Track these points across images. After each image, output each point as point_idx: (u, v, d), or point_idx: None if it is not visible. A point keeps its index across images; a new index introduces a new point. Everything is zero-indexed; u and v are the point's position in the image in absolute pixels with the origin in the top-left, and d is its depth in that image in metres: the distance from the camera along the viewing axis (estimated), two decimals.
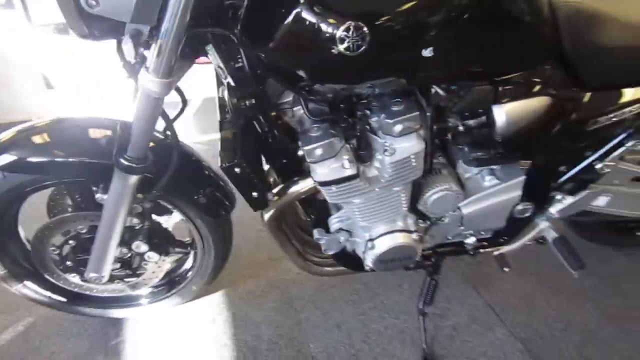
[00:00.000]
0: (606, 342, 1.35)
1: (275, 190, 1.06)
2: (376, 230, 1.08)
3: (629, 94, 1.08)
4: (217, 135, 1.05)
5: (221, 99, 1.09)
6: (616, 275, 1.58)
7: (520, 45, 0.94)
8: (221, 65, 0.91)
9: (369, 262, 1.11)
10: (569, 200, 1.22)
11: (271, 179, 1.10)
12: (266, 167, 1.10)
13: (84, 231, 1.20)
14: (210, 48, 0.91)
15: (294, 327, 1.42)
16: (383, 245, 1.07)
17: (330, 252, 1.16)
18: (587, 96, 1.04)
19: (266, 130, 0.98)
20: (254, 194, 1.01)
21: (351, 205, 1.03)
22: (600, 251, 1.65)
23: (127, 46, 0.84)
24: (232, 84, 0.91)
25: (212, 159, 1.11)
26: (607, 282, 1.55)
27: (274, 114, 0.98)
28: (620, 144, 1.14)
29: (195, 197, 1.13)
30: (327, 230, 1.13)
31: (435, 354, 1.32)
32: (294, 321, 1.44)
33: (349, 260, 1.21)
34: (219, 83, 1.10)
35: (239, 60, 0.90)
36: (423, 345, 1.32)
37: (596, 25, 1.00)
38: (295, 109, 0.99)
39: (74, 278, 1.28)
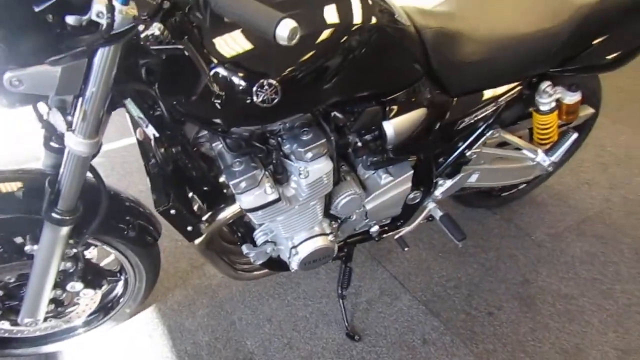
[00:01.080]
0: (487, 290, 1.66)
1: (204, 218, 1.16)
2: (298, 238, 1.24)
3: (485, 95, 1.32)
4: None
5: (140, 143, 1.15)
6: (489, 230, 1.91)
7: (399, 69, 1.12)
8: (141, 115, 0.98)
9: (294, 266, 1.26)
10: (449, 183, 1.47)
11: (196, 206, 1.20)
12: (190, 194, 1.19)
13: (11, 280, 1.20)
14: (128, 101, 0.97)
15: (229, 328, 1.55)
16: (305, 250, 1.23)
17: (259, 263, 1.30)
18: (454, 102, 1.27)
19: (189, 165, 1.07)
20: (189, 228, 1.11)
21: (275, 222, 1.17)
22: (476, 213, 1.98)
23: (53, 115, 0.89)
24: (155, 134, 0.99)
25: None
26: (484, 238, 1.87)
27: (195, 149, 1.07)
28: (482, 134, 1.40)
29: (125, 232, 1.19)
30: (254, 244, 1.26)
31: (356, 329, 1.54)
32: (228, 323, 1.56)
33: (276, 264, 1.35)
34: (135, 126, 1.15)
35: (158, 110, 0.97)
36: (345, 323, 1.52)
37: (454, 44, 1.21)
38: (214, 144, 1.09)
39: (4, 325, 1.28)
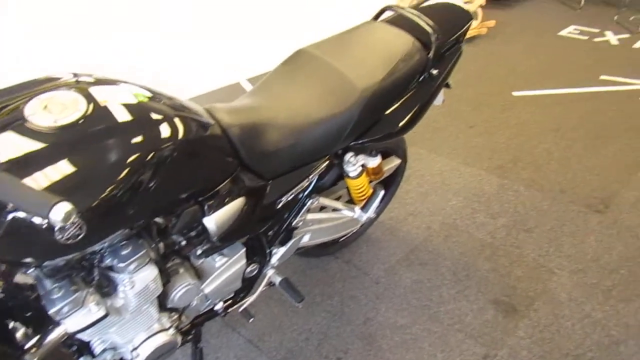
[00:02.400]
0: (335, 336, 1.82)
1: (31, 343, 1.13)
2: (137, 339, 1.25)
3: (297, 174, 1.47)
4: None
5: None
6: (332, 276, 2.08)
7: (210, 170, 1.21)
8: None
9: None
10: (283, 249, 1.60)
11: (20, 332, 1.15)
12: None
13: None
14: None
15: None
16: (146, 350, 1.25)
17: None
18: (270, 185, 1.39)
19: (6, 295, 1.04)
20: None
21: (109, 334, 1.17)
22: (319, 260, 2.14)
23: None
24: None
25: None
26: (329, 284, 2.04)
27: (9, 277, 1.05)
28: (303, 205, 1.55)
29: None
30: (93, 355, 1.25)
31: None
32: None
33: None
34: None
35: None
36: None
37: (259, 135, 1.33)
38: (29, 271, 1.07)
39: None
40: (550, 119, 3.25)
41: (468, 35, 2.19)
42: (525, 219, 2.38)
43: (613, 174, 2.69)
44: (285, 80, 1.51)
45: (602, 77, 3.81)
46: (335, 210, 1.71)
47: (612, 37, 4.63)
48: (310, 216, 1.63)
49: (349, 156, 1.57)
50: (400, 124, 1.61)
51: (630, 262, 2.11)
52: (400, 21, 1.71)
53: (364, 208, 1.73)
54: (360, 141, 1.55)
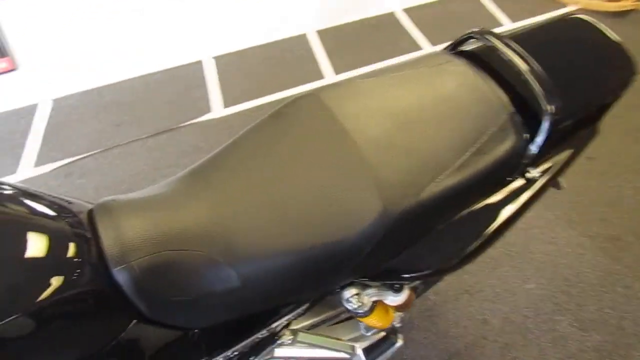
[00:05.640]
0: None
1: None
2: None
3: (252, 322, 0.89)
4: None
5: None
6: None
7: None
8: None
9: None
10: None
11: None
12: None
13: None
14: None
15: None
16: None
17: None
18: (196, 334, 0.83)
19: None
20: None
21: None
22: None
23: None
24: None
25: None
26: None
27: None
28: (264, 346, 0.97)
29: None
30: None
31: None
32: None
33: None
34: None
35: None
36: None
37: (172, 269, 0.75)
38: None
39: None
40: None
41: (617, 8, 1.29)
42: (634, 344, 1.62)
43: None
44: (260, 150, 0.87)
45: None
46: (322, 347, 1.11)
47: None
48: (280, 352, 1.04)
49: (349, 294, 0.94)
50: (453, 259, 0.94)
51: None
52: (489, 58, 0.97)
53: (370, 354, 1.10)
54: (373, 281, 0.91)
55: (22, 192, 0.74)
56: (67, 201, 0.80)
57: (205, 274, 0.77)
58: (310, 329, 1.09)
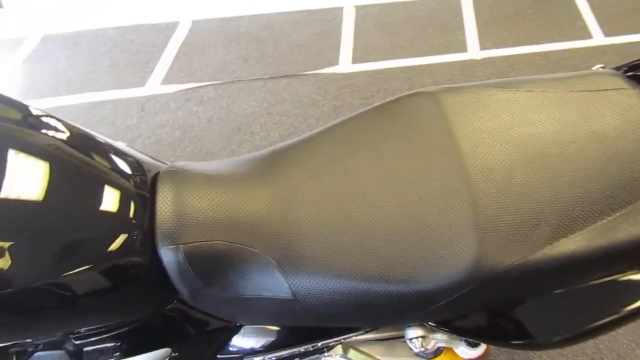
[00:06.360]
0: None
1: None
2: None
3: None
4: None
5: None
6: None
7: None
8: None
9: None
10: None
11: None
12: None
13: None
14: None
15: None
16: None
17: None
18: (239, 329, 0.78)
19: None
20: None
21: None
22: None
23: None
24: None
25: None
26: None
27: None
28: None
29: None
30: None
31: None
32: None
33: None
34: None
35: None
36: None
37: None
38: None
39: None
40: None
41: None
42: None
43: None
44: (354, 148, 0.75)
45: None
46: None
47: None
48: None
49: (414, 334, 0.80)
50: (556, 336, 0.75)
51: None
52: None
53: None
54: (444, 328, 0.77)
55: (104, 144, 0.71)
56: (141, 158, 0.75)
57: (255, 276, 0.68)
58: (364, 343, 0.98)
